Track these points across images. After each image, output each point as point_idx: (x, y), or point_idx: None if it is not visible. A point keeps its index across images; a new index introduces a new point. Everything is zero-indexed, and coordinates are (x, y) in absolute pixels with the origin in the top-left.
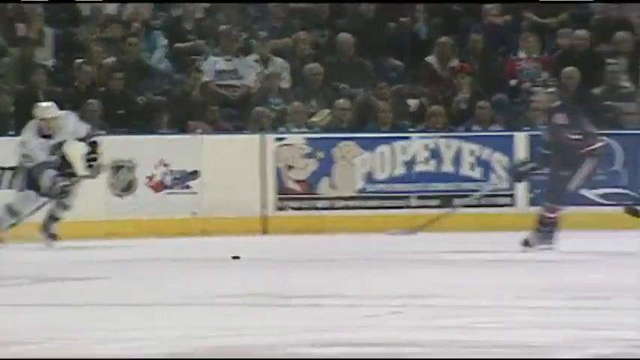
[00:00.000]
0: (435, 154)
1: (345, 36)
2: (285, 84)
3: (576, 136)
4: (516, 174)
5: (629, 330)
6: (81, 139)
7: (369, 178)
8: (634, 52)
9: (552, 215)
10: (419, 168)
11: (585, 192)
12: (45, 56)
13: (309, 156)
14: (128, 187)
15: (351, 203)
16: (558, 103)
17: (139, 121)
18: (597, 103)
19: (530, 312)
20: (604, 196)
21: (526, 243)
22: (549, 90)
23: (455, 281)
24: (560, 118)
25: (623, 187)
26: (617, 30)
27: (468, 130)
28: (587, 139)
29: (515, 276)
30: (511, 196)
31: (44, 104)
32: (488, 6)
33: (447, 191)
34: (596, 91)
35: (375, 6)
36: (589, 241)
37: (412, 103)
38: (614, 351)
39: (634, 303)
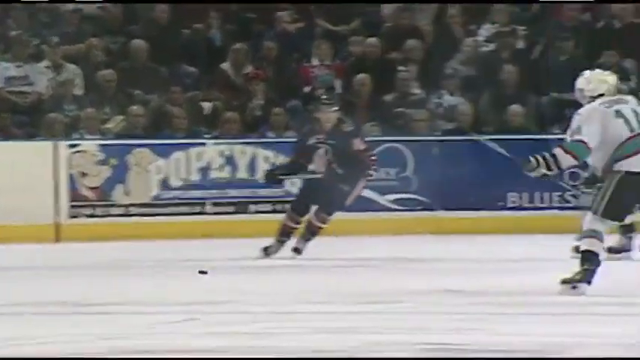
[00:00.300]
0: (230, 160)
1: (138, 42)
2: (78, 90)
3: (373, 157)
4: (273, 180)
5: (425, 334)
6: None
7: (164, 185)
8: (424, 60)
9: (323, 225)
10: (214, 174)
11: (376, 197)
12: None
13: (103, 163)
14: None
15: (145, 210)
16: (351, 128)
17: None
18: (388, 110)
19: (327, 317)
20: (395, 201)
21: (296, 250)
22: (333, 108)
23: (252, 287)
24: (358, 144)
25: (414, 193)
26: (407, 38)
27: (262, 136)
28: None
29: (312, 281)
30: None
31: None
32: (281, 13)
33: (242, 197)
34: (388, 98)
35: (168, 12)
36: (379, 247)
37: (206, 106)
38: (411, 355)
39: (426, 307)
